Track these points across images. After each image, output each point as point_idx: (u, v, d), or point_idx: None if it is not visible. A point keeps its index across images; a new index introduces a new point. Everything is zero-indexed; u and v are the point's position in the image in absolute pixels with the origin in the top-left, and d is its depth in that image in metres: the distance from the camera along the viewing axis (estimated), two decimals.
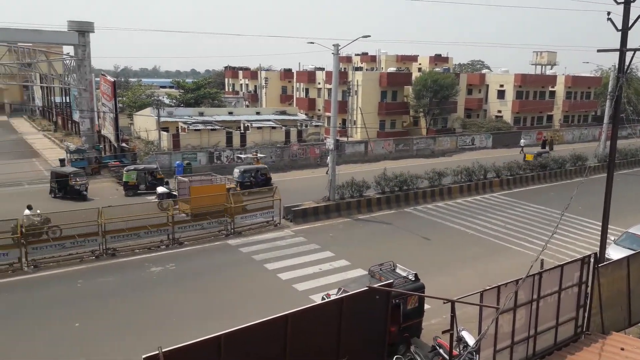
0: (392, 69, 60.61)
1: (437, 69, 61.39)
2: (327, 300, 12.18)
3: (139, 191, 29.51)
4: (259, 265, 19.02)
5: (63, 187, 28.43)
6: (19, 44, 36.09)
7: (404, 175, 28.85)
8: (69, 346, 13.15)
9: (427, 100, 54.42)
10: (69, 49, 37.99)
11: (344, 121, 55.16)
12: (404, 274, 13.38)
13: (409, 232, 23.46)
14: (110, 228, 19.59)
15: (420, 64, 75.15)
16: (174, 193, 26.56)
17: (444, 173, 31.03)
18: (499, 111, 61.71)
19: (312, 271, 18.35)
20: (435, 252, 21.10)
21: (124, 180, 29.82)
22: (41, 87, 59.24)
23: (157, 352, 7.63)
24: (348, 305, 9.90)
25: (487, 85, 63.68)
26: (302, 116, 55.47)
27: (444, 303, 9.54)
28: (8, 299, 15.95)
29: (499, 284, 10.06)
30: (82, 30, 34.27)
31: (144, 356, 7.70)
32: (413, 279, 13.20)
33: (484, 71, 74.58)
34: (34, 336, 13.63)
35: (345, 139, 49.36)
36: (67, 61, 38.90)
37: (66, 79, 40.16)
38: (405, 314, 12.55)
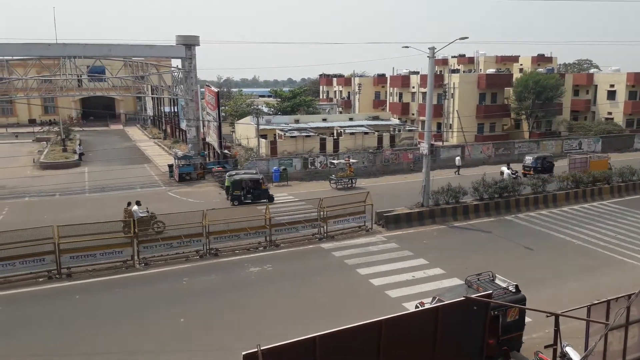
0: (491, 71, 58.35)
1: (539, 70, 58.11)
2: (422, 308, 12.00)
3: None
4: (351, 270, 19.14)
5: (253, 191, 29.53)
6: (133, 58, 39.36)
7: (504, 180, 27.60)
8: (175, 340, 14.08)
9: (529, 102, 51.76)
10: (177, 62, 40.83)
11: (439, 125, 53.97)
12: (504, 285, 12.82)
13: (509, 241, 22.41)
14: (214, 229, 20.73)
15: (521, 64, 71.63)
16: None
17: (548, 179, 29.26)
18: (609, 113, 57.09)
19: (405, 278, 18.12)
20: (537, 263, 19.96)
21: (225, 184, 31.38)
22: (152, 98, 64.11)
23: (256, 349, 7.98)
24: (444, 315, 9.70)
25: (596, 86, 59.20)
26: (395, 121, 55.08)
27: (547, 316, 9.05)
28: (122, 293, 17.40)
29: (609, 298, 9.34)
30: (189, 43, 36.65)
31: (243, 353, 8.08)
32: (513, 291, 12.61)
33: (592, 71, 69.42)
34: (143, 328, 14.75)
35: (440, 143, 48.26)
36: (175, 73, 41.79)
37: (174, 90, 43.14)
38: (505, 327, 12.01)
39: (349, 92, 75.59)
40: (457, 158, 39.73)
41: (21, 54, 35.02)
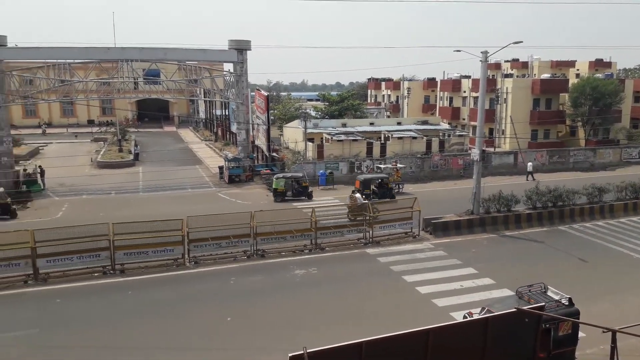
0: (545, 76, 56.50)
1: (597, 75, 55.76)
2: (470, 319, 11.74)
3: (286, 197, 31.27)
4: (397, 277, 18.95)
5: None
6: (187, 62, 40.53)
7: (558, 189, 26.63)
8: (222, 338, 14.37)
9: (585, 108, 49.72)
10: (229, 66, 41.71)
11: (490, 131, 52.72)
12: (556, 298, 12.36)
13: (563, 253, 21.59)
14: (261, 231, 21.03)
15: (578, 69, 68.93)
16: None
17: (606, 189, 27.99)
18: None
19: (453, 287, 17.78)
20: (593, 275, 19.14)
21: (273, 187, 31.82)
22: (204, 101, 65.73)
23: (302, 352, 8.04)
24: (493, 326, 9.46)
25: None
26: (444, 126, 54.23)
27: (604, 332, 8.66)
28: (172, 290, 17.91)
29: None
30: (240, 48, 37.38)
31: (290, 355, 8.16)
32: (567, 304, 12.14)
33: None
34: (191, 325, 15.12)
35: (492, 149, 47.13)
36: (227, 77, 42.71)
37: (226, 93, 44.10)
38: (557, 341, 11.58)
39: (397, 96, 75.02)
40: (530, 164, 38.65)
41: (82, 58, 36.74)
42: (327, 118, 56.52)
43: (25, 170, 35.23)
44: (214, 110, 64.35)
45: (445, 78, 66.69)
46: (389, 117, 69.45)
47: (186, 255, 20.16)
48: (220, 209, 25.71)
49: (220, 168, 38.56)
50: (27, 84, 39.63)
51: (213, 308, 16.28)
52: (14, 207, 28.00)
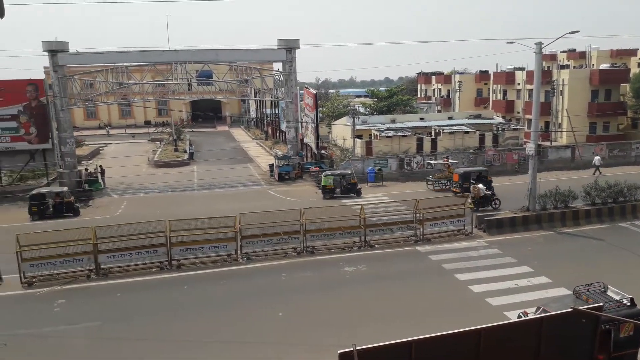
0: (605, 66, 53.87)
1: None
2: (524, 318, 11.44)
3: (335, 194, 31.39)
4: (449, 275, 18.66)
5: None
6: (238, 63, 41.37)
7: (619, 184, 25.37)
8: (274, 333, 14.64)
9: None
10: (278, 65, 42.25)
11: (546, 124, 50.86)
12: (617, 298, 11.83)
13: (624, 250, 20.60)
14: (311, 228, 21.23)
15: None
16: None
17: None
18: None
19: (507, 286, 17.33)
20: None
21: (322, 184, 32.01)
22: (255, 100, 66.87)
23: (351, 349, 8.09)
24: (548, 327, 9.19)
25: None
26: (498, 119, 52.72)
27: None
28: (226, 285, 18.42)
29: None
30: (289, 47, 37.76)
31: (339, 351, 8.23)
32: (628, 304, 11.60)
33: None
34: (244, 320, 15.49)
35: (548, 143, 45.48)
36: (277, 77, 43.26)
37: (275, 92, 44.70)
38: (617, 343, 11.09)
39: (448, 90, 73.59)
40: (597, 158, 37.01)
41: (138, 61, 38.22)
42: (375, 114, 56.18)
43: (87, 170, 37.06)
44: (264, 109, 65.35)
45: (499, 70, 64.82)
46: (439, 111, 68.29)
47: (239, 252, 20.64)
48: (271, 206, 26.12)
49: (271, 166, 39.15)
50: (87, 88, 41.63)
51: (265, 303, 16.61)
52: (77, 205, 29.53)
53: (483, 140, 44.07)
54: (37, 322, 15.64)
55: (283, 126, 48.10)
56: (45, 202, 28.39)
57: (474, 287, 17.35)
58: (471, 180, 29.83)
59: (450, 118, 51.69)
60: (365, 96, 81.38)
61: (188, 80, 42.14)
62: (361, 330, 14.29)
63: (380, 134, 43.87)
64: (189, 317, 15.82)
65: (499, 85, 62.29)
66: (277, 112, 55.42)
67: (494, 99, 63.59)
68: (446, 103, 72.43)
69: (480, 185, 27.40)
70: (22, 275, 18.46)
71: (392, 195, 31.72)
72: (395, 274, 18.97)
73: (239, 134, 70.02)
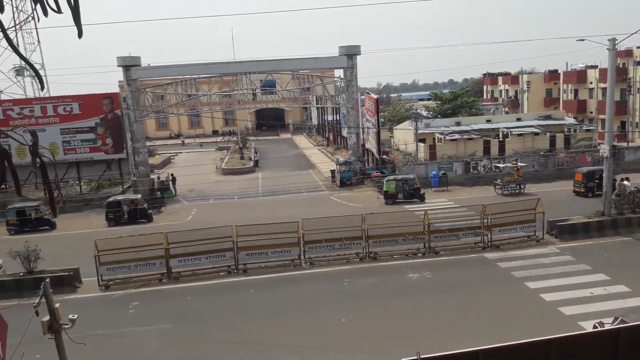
0: None
1: None
2: (601, 329, 10.83)
3: (397, 200, 31.08)
4: (519, 283, 17.96)
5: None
6: (300, 71, 42.03)
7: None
8: (337, 339, 14.70)
9: None
10: (339, 72, 42.51)
11: (622, 124, 47.92)
12: None
13: None
14: (373, 234, 21.14)
15: None
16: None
17: None
18: None
19: (582, 295, 16.46)
20: None
21: (384, 189, 31.79)
22: (316, 107, 67.55)
23: (415, 357, 8.00)
24: (626, 338, 8.66)
25: None
26: (569, 120, 50.23)
27: None
28: (290, 289, 18.69)
29: None
30: (350, 53, 37.91)
31: (403, 359, 8.16)
32: None
33: None
34: (308, 324, 15.66)
35: (624, 144, 42.81)
36: (338, 83, 43.53)
37: (337, 99, 44.95)
38: None
39: (516, 91, 70.97)
40: None
41: (206, 73, 39.72)
42: (439, 117, 55.10)
43: (159, 178, 38.83)
44: (325, 116, 65.85)
45: (569, 69, 61.84)
46: (507, 113, 65.99)
47: (302, 256, 20.90)
48: (333, 211, 26.25)
49: (332, 172, 39.36)
50: (158, 100, 43.70)
51: (328, 308, 16.71)
52: (150, 211, 31.02)
53: (554, 142, 42.08)
54: (114, 323, 16.56)
55: (344, 132, 48.23)
56: (120, 209, 30.03)
57: (545, 296, 16.62)
58: (621, 179, 27.60)
59: (518, 119, 49.81)
60: (428, 99, 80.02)
61: (253, 90, 43.37)
62: (425, 338, 14.05)
63: (444, 138, 42.96)
64: (255, 320, 16.19)
65: (569, 85, 59.41)
66: (338, 118, 55.65)
67: (565, 99, 60.71)
68: (514, 104, 69.87)
69: (627, 183, 26.02)
70: (99, 278, 19.62)
71: (457, 200, 30.99)
72: (462, 282, 18.50)
73: (301, 141, 70.92)
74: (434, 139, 44.84)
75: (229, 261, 20.58)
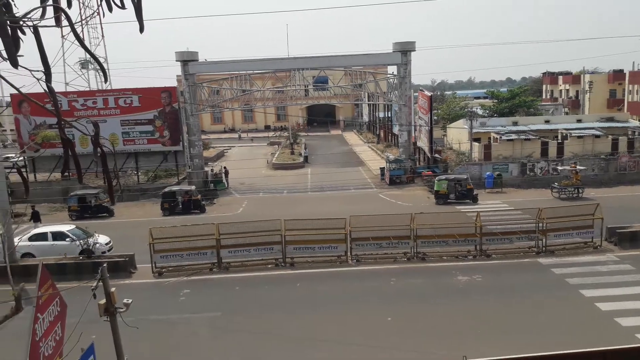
0: None
1: None
2: None
3: (448, 200, 30.52)
4: (574, 290, 17.26)
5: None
6: (352, 67, 41.93)
7: None
8: (382, 337, 14.61)
9: None
10: (392, 69, 42.13)
11: None
12: None
13: None
14: (421, 233, 20.86)
15: None
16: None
17: None
18: None
19: None
20: None
21: (435, 189, 31.29)
22: (368, 104, 67.21)
23: None
24: None
25: None
26: (634, 123, 47.67)
27: None
28: (335, 285, 18.73)
29: None
30: (405, 50, 37.47)
31: None
32: None
33: None
34: (353, 321, 15.62)
35: None
36: (391, 80, 43.14)
37: (389, 96, 44.57)
38: None
39: (577, 91, 68.04)
40: None
41: (260, 69, 40.34)
42: (495, 116, 53.61)
43: (212, 170, 39.81)
44: (376, 113, 65.44)
45: (636, 69, 58.63)
46: (567, 114, 63.42)
47: (349, 253, 20.90)
48: (381, 209, 26.12)
49: (382, 169, 39.09)
50: (214, 94, 44.74)
51: (374, 306, 16.64)
52: (203, 203, 31.88)
53: (616, 146, 40.03)
54: (165, 309, 17.16)
55: (395, 129, 47.78)
56: (175, 200, 31.03)
57: (601, 305, 15.90)
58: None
59: (578, 121, 47.74)
60: (485, 97, 78.01)
61: (305, 86, 43.64)
62: (472, 342, 13.75)
63: (500, 137, 41.75)
64: (300, 314, 16.35)
65: (635, 86, 56.36)
66: (389, 115, 55.19)
67: (630, 100, 57.64)
68: (574, 105, 67.02)
69: None
70: (153, 265, 20.36)
71: (512, 202, 30.09)
72: (513, 286, 17.97)
73: (351, 137, 70.79)
74: (489, 138, 43.68)
75: (276, 254, 20.87)
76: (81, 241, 21.18)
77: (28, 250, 21.77)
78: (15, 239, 21.67)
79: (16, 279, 15.10)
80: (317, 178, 40.41)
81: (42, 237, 22.17)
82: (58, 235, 22.29)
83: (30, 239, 22.24)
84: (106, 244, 22.43)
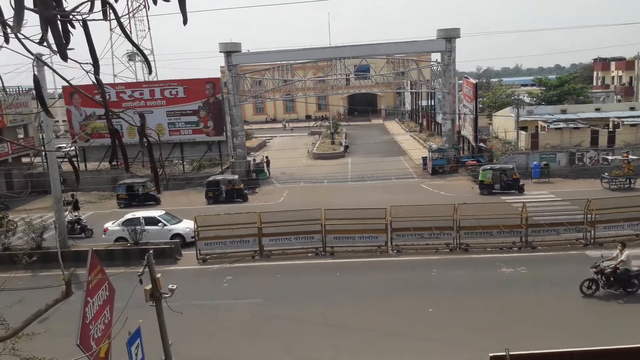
0: None
1: None
2: None
3: (493, 190, 29.85)
4: None
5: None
6: (395, 55, 41.38)
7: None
8: (423, 328, 14.52)
9: None
10: (436, 56, 41.32)
11: None
12: None
13: None
14: (465, 224, 20.51)
15: None
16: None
17: None
18: None
19: None
20: None
21: (479, 179, 30.65)
22: (410, 92, 66.29)
23: (504, 353, 7.72)
24: None
25: None
26: None
27: None
28: (376, 275, 18.69)
29: None
30: (449, 37, 36.67)
31: (491, 354, 7.91)
32: None
33: None
34: (394, 311, 15.57)
35: None
36: (434, 67, 42.36)
37: (432, 84, 43.80)
38: None
39: (630, 78, 64.85)
40: None
41: (301, 59, 40.40)
42: (543, 104, 51.90)
43: (254, 160, 40.34)
44: (419, 101, 64.50)
45: None
46: (619, 101, 60.60)
47: (389, 243, 20.79)
48: (423, 199, 25.78)
49: (424, 159, 38.58)
50: (256, 85, 45.18)
51: (414, 297, 16.53)
52: (245, 192, 32.40)
53: None
54: (209, 295, 17.61)
55: (439, 118, 46.94)
56: (219, 189, 31.65)
57: None
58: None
59: (632, 109, 45.55)
60: (532, 85, 75.58)
61: (346, 75, 43.41)
62: (514, 335, 13.46)
63: (548, 126, 40.39)
64: (340, 303, 16.42)
65: None
66: (433, 103, 54.26)
67: None
68: (627, 92, 63.92)
69: None
70: (198, 252, 20.89)
71: (559, 193, 29.16)
72: (559, 279, 17.43)
73: (393, 126, 70.11)
74: (536, 127, 42.35)
75: (317, 243, 21.01)
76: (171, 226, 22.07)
77: (122, 234, 22.24)
78: (109, 224, 22.65)
79: (68, 264, 15.82)
80: (357, 168, 40.30)
81: (134, 222, 22.30)
82: (150, 221, 22.75)
83: (123, 223, 22.68)
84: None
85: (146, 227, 21.71)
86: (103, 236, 22.85)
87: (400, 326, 14.60)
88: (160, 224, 22.86)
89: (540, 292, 16.46)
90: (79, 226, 24.97)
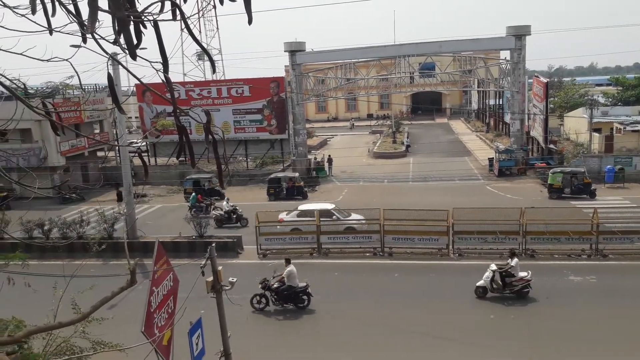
0: None
1: None
2: None
3: (563, 195, 28.49)
4: None
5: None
6: (462, 53, 40.36)
7: None
8: (480, 336, 14.07)
9: None
10: (505, 54, 39.92)
11: None
12: None
13: None
14: (532, 229, 19.71)
15: None
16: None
17: None
18: None
19: None
20: None
21: (548, 182, 29.35)
22: (477, 91, 64.43)
23: None
24: None
25: None
26: None
27: None
28: (435, 278, 18.30)
29: None
30: (519, 34, 35.31)
31: None
32: None
33: None
34: (448, 316, 15.20)
35: None
36: (503, 65, 40.95)
37: (500, 82, 42.35)
38: None
39: None
40: None
41: (364, 57, 40.23)
42: (619, 105, 48.98)
43: (315, 158, 40.63)
44: (486, 100, 62.57)
45: None
46: None
47: (450, 247, 20.32)
48: (487, 202, 25.02)
49: (490, 160, 37.39)
50: (319, 84, 45.47)
51: (475, 302, 16.07)
52: (305, 189, 32.71)
53: None
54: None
55: (507, 118, 45.31)
56: (280, 186, 32.17)
57: None
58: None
59: None
60: (608, 84, 71.49)
61: (410, 74, 42.81)
62: (583, 349, 12.80)
63: (624, 128, 38.09)
64: (397, 304, 16.21)
65: None
66: (501, 102, 52.48)
67: None
68: None
69: None
70: (258, 247, 21.32)
71: (634, 199, 27.41)
72: (631, 291, 16.39)
73: (458, 126, 68.40)
74: (611, 129, 40.06)
75: (375, 243, 20.87)
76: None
77: (298, 226, 22.33)
78: (283, 214, 23.07)
79: (137, 254, 16.59)
80: (419, 168, 39.67)
81: (309, 214, 22.41)
82: (324, 213, 22.45)
83: (299, 215, 23.02)
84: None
85: (321, 220, 21.40)
86: (277, 227, 22.30)
87: (458, 332, 14.24)
88: (334, 217, 22.58)
89: (610, 304, 15.52)
90: (234, 215, 25.99)
